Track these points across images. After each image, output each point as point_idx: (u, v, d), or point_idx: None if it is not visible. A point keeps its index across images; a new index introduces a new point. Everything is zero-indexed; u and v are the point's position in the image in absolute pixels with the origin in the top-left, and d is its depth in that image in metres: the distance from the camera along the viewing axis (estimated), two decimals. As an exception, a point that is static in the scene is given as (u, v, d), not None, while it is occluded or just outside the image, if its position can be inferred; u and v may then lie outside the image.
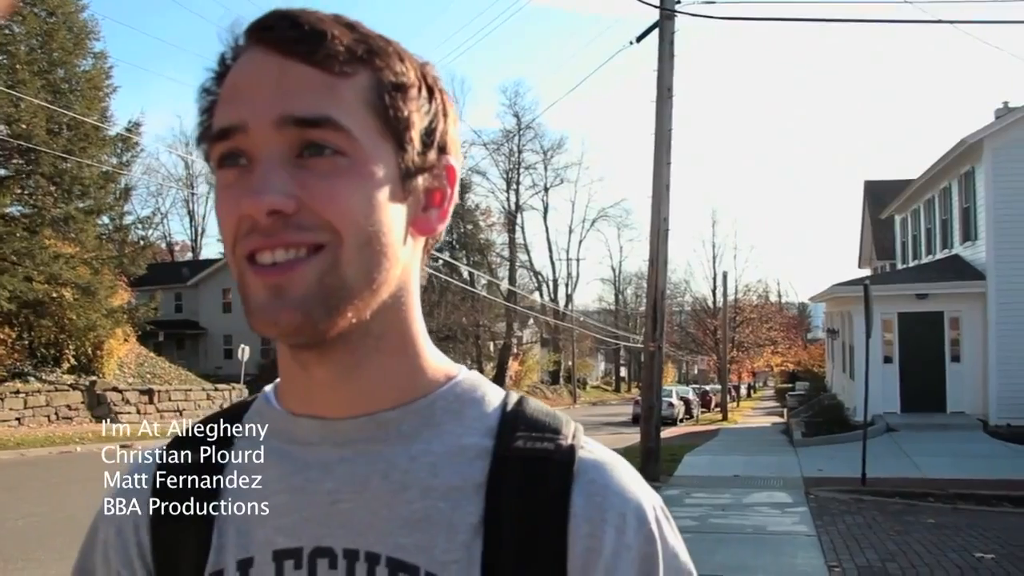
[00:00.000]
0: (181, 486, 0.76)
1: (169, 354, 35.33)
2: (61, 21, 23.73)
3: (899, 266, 26.64)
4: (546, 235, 73.18)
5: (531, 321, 66.47)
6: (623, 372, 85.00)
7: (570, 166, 75.17)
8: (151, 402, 26.18)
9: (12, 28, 22.67)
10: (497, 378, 56.53)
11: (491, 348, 59.74)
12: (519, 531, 0.69)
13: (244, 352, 30.52)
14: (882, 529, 9.26)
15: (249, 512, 0.73)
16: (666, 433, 23.40)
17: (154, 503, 0.76)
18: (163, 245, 62.21)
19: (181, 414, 26.73)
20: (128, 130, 26.95)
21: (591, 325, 69.51)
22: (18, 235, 22.23)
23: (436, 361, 0.77)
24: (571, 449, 0.72)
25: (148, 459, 0.80)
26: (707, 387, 51.83)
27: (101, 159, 24.93)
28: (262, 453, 0.74)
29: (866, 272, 32.44)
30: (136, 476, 0.79)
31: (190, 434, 0.80)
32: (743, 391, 62.91)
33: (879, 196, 30.38)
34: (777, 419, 33.99)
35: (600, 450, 0.75)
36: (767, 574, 7.26)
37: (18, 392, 22.28)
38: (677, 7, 13.75)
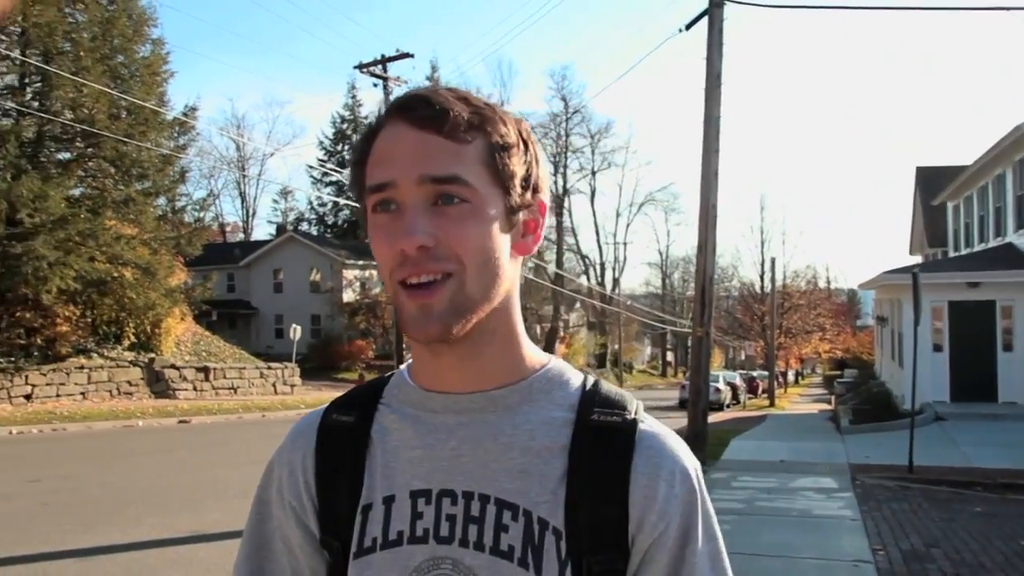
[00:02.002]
0: (339, 438, 1.01)
1: (222, 333, 35.96)
2: (121, 9, 24.24)
3: (951, 254, 26.30)
4: (593, 219, 72.95)
5: (578, 304, 66.47)
6: (669, 357, 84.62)
7: (617, 150, 74.78)
8: (207, 379, 26.84)
9: (76, 17, 23.29)
10: (543, 361, 56.73)
11: (538, 331, 59.91)
12: (593, 481, 0.91)
13: (296, 332, 31.08)
14: (928, 516, 9.29)
15: (392, 461, 0.97)
16: (713, 418, 23.45)
17: (318, 451, 1.01)
18: (215, 226, 63.15)
19: (235, 391, 27.37)
20: (185, 114, 27.43)
21: (638, 309, 69.27)
22: (82, 216, 22.79)
23: (532, 351, 1.00)
24: (634, 422, 0.95)
25: (313, 417, 1.05)
26: (754, 373, 51.50)
27: (159, 142, 25.44)
28: (400, 418, 0.99)
29: (917, 259, 32.06)
30: (305, 428, 1.04)
31: (344, 400, 1.05)
32: (791, 378, 62.40)
33: (932, 182, 29.94)
34: (825, 406, 33.77)
35: (656, 424, 0.97)
36: (811, 555, 7.38)
37: (82, 367, 23.06)
38: (727, -6, 13.79)
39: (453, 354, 0.94)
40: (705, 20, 14.01)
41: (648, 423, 0.96)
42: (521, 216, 0.95)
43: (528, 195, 0.95)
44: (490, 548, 0.90)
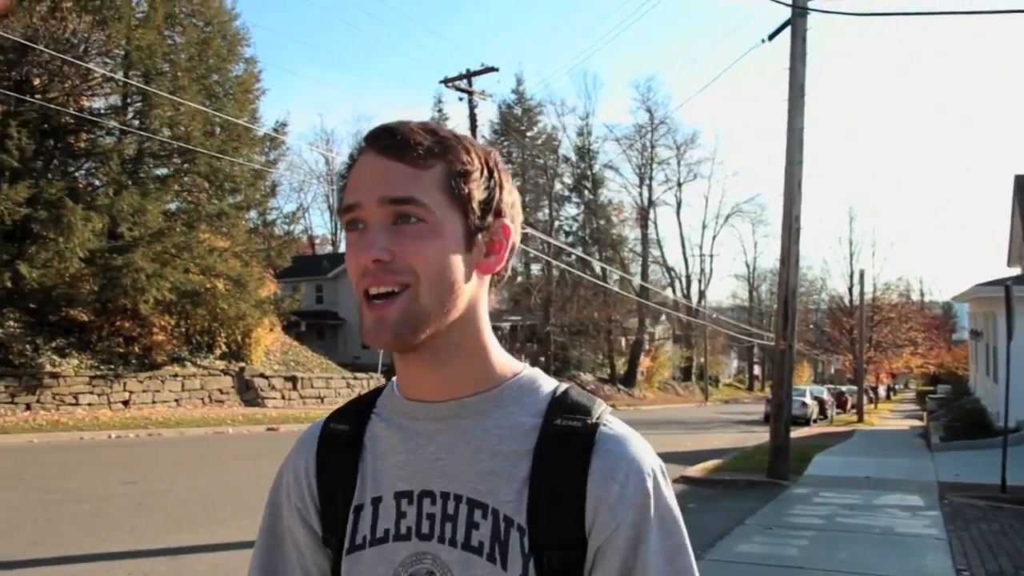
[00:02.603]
0: (336, 446, 1.11)
1: (310, 343, 36.71)
2: (216, 30, 25.08)
3: (1052, 265, 25.32)
4: (679, 230, 72.59)
5: (663, 317, 65.81)
6: (756, 370, 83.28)
7: (703, 161, 73.94)
8: (295, 388, 27.49)
9: (174, 39, 24.23)
10: (628, 373, 56.37)
11: (623, 343, 59.56)
12: (553, 483, 0.97)
13: (382, 343, 31.55)
14: (1019, 537, 9.01)
15: (380, 465, 1.06)
16: (798, 433, 23.07)
17: (318, 457, 1.12)
18: (305, 239, 64.57)
19: (322, 400, 27.97)
20: (275, 130, 28.19)
21: (724, 322, 68.31)
22: (178, 230, 23.62)
23: (504, 360, 1.07)
24: (595, 426, 1.00)
25: (315, 427, 1.16)
26: (843, 388, 50.30)
27: (251, 158, 26.15)
28: (387, 426, 1.09)
29: (1016, 271, 30.89)
30: (309, 437, 1.15)
31: (343, 410, 1.16)
32: (881, 392, 60.70)
33: (1031, 191, 28.80)
34: (916, 422, 32.84)
35: (620, 427, 1.02)
36: (891, 573, 7.24)
37: (176, 375, 23.87)
38: (809, 4, 13.62)
39: (418, 363, 1.03)
40: (788, 30, 13.88)
41: (611, 427, 1.01)
42: (481, 237, 1.02)
43: (489, 218, 1.02)
44: (462, 544, 0.98)
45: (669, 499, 1.01)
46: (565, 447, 0.99)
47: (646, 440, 1.04)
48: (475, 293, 1.03)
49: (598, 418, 1.01)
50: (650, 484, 0.99)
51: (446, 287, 0.98)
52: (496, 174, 1.05)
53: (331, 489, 1.08)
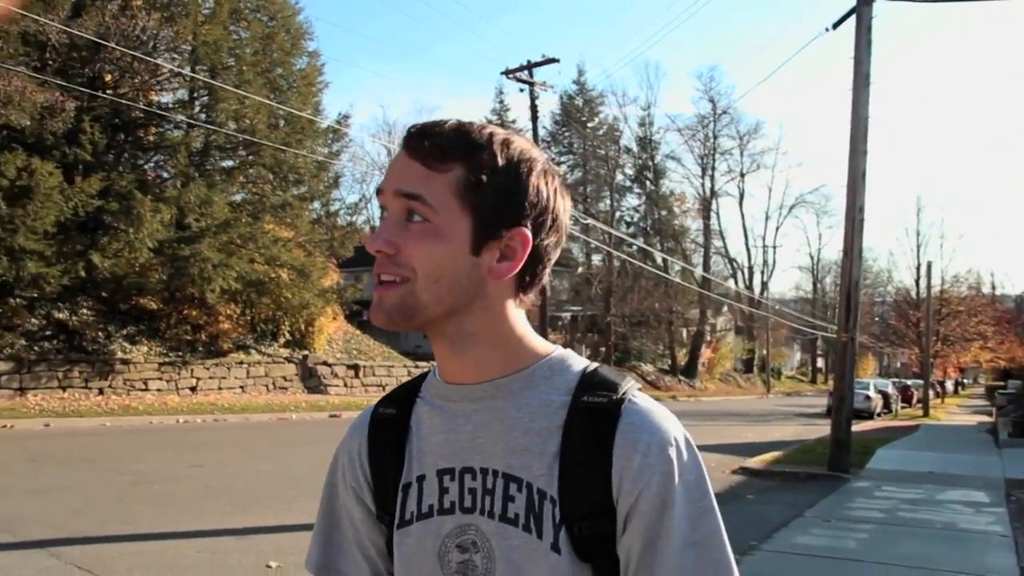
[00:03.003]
0: (385, 430, 1.19)
1: (372, 332, 37.09)
2: (280, 24, 25.48)
3: None
4: (742, 221, 71.83)
5: (725, 308, 65.27)
6: (820, 363, 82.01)
7: (767, 151, 73.26)
8: (356, 376, 27.87)
9: (239, 34, 24.69)
10: (689, 364, 55.95)
11: (684, 334, 59.14)
12: (581, 456, 1.02)
13: (442, 332, 31.74)
14: (1089, 535, 8.85)
15: (424, 446, 1.12)
16: (861, 427, 22.74)
17: (370, 441, 1.19)
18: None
19: (383, 388, 28.19)
20: (338, 122, 28.54)
21: (787, 314, 67.47)
22: (243, 221, 24.07)
23: (535, 343, 1.11)
24: (620, 401, 1.04)
25: (366, 413, 1.24)
26: (908, 381, 49.33)
27: (314, 150, 26.54)
28: (430, 408, 1.14)
29: (1091, 263, 29.97)
30: (361, 422, 1.24)
31: (391, 396, 1.24)
32: (949, 387, 59.37)
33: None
34: (985, 418, 32.10)
35: (644, 401, 1.06)
36: (951, 569, 7.15)
37: (242, 363, 24.39)
38: (875, -9, 13.39)
39: (439, 348, 1.10)
40: (853, 18, 13.66)
41: (636, 401, 1.05)
42: (494, 243, 1.04)
43: (503, 225, 1.04)
44: (500, 516, 1.05)
45: (694, 466, 1.04)
46: (592, 422, 1.03)
47: (672, 414, 1.07)
48: (490, 292, 1.07)
49: (623, 393, 1.06)
50: (672, 452, 1.02)
51: (444, 286, 1.03)
52: (525, 182, 1.05)
53: (382, 470, 1.16)
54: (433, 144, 1.03)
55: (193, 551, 6.71)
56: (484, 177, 1.03)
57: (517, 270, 1.06)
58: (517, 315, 1.10)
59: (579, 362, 1.12)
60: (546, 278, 1.13)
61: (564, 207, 1.11)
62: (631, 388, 1.07)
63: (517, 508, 1.04)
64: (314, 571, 1.22)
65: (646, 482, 1.01)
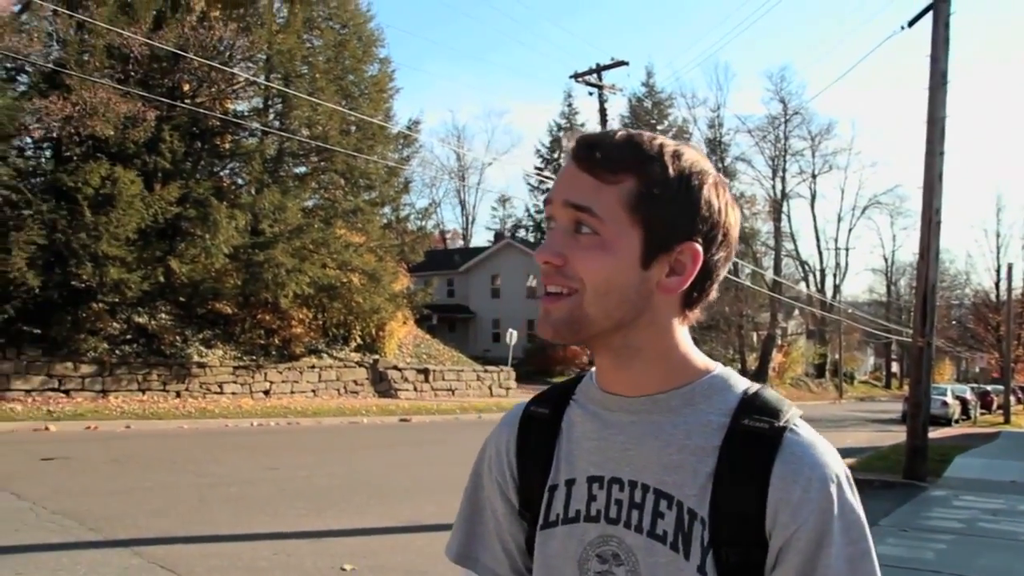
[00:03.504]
0: (536, 428, 1.19)
1: (441, 336, 37.42)
2: (352, 32, 25.93)
3: None
4: (813, 223, 70.51)
5: (796, 312, 64.20)
6: (894, 368, 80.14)
7: (839, 152, 71.67)
8: (426, 380, 28.08)
9: (313, 42, 25.17)
10: (760, 369, 55.16)
11: (754, 339, 58.34)
12: (736, 481, 1.00)
13: (512, 336, 31.85)
14: None
15: (575, 450, 1.12)
16: (938, 433, 22.14)
17: (519, 437, 1.20)
18: (436, 234, 65.85)
19: (453, 393, 28.49)
20: (409, 128, 28.90)
21: (860, 317, 66.07)
22: (315, 226, 24.50)
23: (698, 360, 1.09)
24: (782, 429, 1.01)
25: (518, 409, 1.24)
26: (988, 387, 47.88)
27: (385, 155, 26.87)
28: (584, 413, 1.15)
29: None
30: (511, 417, 1.24)
31: (544, 395, 1.23)
32: (1032, 393, 57.44)
33: None
34: (1072, 426, 30.99)
35: (807, 432, 1.03)
36: (1037, 583, 6.95)
37: (314, 367, 24.81)
38: (954, -12, 13.05)
39: (603, 361, 1.09)
40: (930, 16, 13.35)
41: (800, 431, 1.02)
42: (663, 257, 1.03)
43: (674, 239, 1.02)
44: (648, 531, 1.03)
45: (855, 505, 1.01)
46: (751, 447, 1.01)
47: (834, 448, 1.04)
48: (657, 306, 1.05)
49: (785, 421, 1.02)
50: (834, 489, 0.99)
51: (613, 300, 1.02)
52: (697, 195, 1.04)
53: (529, 468, 1.16)
54: (604, 156, 1.02)
55: (269, 552, 6.84)
56: (655, 190, 1.01)
57: (687, 285, 1.05)
58: (681, 331, 1.09)
59: (741, 383, 1.09)
60: (714, 294, 1.10)
61: (734, 221, 1.08)
62: (793, 415, 1.04)
63: (666, 525, 1.02)
64: (454, 559, 1.23)
65: (805, 517, 0.98)
